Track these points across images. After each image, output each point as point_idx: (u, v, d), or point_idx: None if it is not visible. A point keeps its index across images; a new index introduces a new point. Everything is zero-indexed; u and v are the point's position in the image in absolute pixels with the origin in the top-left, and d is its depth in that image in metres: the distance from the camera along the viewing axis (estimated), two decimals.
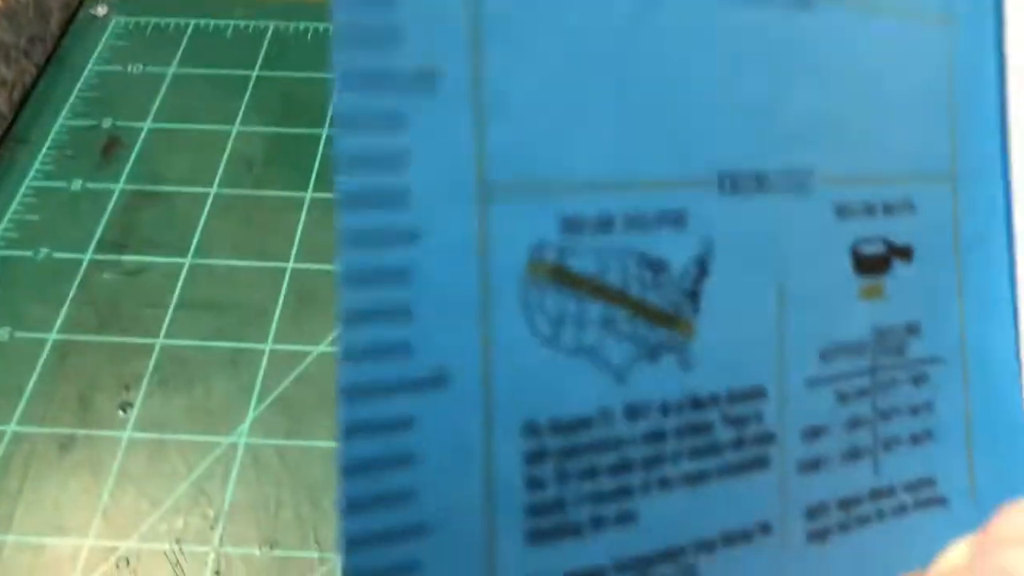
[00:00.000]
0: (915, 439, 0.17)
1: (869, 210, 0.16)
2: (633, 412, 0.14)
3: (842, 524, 0.16)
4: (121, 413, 0.35)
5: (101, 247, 0.40)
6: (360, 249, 0.12)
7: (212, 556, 0.32)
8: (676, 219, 0.14)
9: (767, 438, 0.15)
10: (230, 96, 0.45)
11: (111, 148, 0.43)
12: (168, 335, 0.37)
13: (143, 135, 0.44)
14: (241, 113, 0.44)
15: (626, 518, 0.14)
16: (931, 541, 0.16)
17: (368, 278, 0.12)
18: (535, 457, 0.13)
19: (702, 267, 0.14)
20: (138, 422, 0.35)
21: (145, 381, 0.36)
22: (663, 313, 0.14)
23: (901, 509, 0.17)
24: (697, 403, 0.14)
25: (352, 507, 0.12)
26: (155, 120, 0.44)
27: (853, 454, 0.16)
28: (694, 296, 0.14)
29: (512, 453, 0.13)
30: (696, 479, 0.14)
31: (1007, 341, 0.17)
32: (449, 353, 0.12)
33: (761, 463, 0.15)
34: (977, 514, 0.17)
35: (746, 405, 0.15)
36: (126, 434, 0.34)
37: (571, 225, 0.13)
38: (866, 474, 0.16)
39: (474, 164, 0.12)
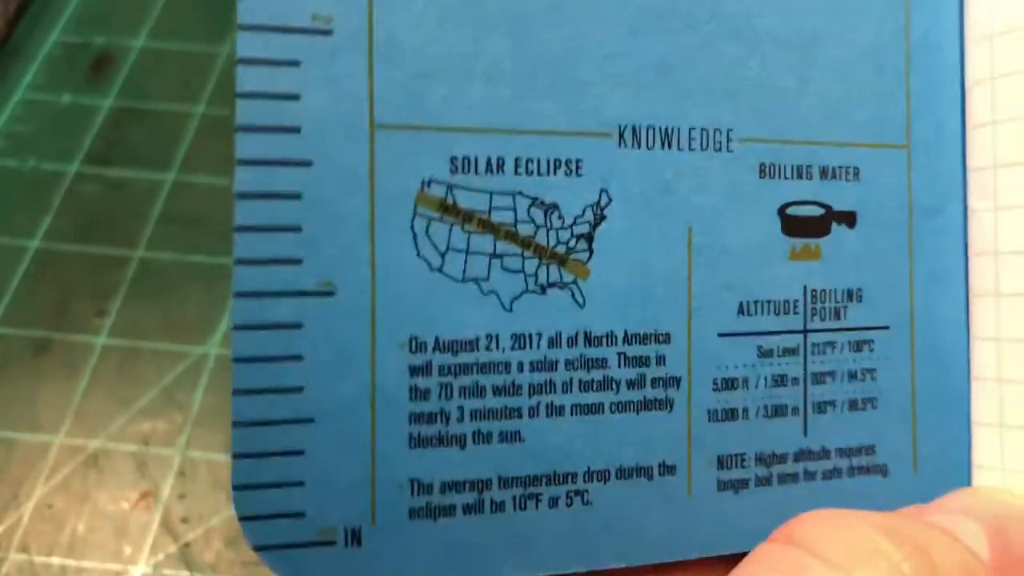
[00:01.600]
0: (853, 405, 0.17)
1: (801, 173, 0.16)
2: (520, 340, 0.15)
3: (761, 478, 0.16)
4: (97, 320, 0.36)
5: (87, 160, 0.40)
6: (255, 171, 0.13)
7: (177, 459, 0.32)
8: (571, 166, 0.15)
9: (671, 382, 0.16)
10: (223, 18, 0.45)
11: (102, 65, 0.43)
12: (147, 248, 0.37)
13: (134, 53, 0.44)
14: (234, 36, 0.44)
15: (512, 438, 0.15)
16: (868, 507, 0.16)
17: (261, 197, 0.13)
18: (419, 370, 0.14)
19: (598, 213, 0.15)
20: (113, 329, 0.35)
21: (122, 291, 0.36)
22: (554, 253, 0.15)
23: (835, 473, 0.17)
24: (591, 339, 0.15)
25: (244, 394, 0.13)
26: (147, 39, 0.44)
27: (776, 411, 0.16)
28: (589, 239, 0.15)
29: (396, 364, 0.14)
30: (589, 411, 0.15)
31: (957, 313, 0.17)
32: (337, 268, 0.14)
33: (664, 405, 0.16)
34: (918, 484, 0.17)
35: (646, 347, 0.15)
36: (100, 340, 0.35)
37: (461, 164, 0.14)
38: (792, 433, 0.16)
39: (366, 103, 0.14)
